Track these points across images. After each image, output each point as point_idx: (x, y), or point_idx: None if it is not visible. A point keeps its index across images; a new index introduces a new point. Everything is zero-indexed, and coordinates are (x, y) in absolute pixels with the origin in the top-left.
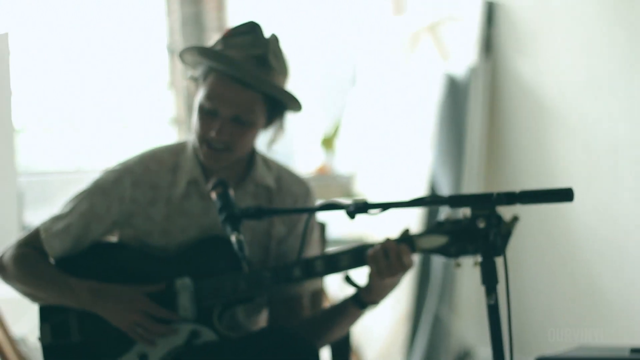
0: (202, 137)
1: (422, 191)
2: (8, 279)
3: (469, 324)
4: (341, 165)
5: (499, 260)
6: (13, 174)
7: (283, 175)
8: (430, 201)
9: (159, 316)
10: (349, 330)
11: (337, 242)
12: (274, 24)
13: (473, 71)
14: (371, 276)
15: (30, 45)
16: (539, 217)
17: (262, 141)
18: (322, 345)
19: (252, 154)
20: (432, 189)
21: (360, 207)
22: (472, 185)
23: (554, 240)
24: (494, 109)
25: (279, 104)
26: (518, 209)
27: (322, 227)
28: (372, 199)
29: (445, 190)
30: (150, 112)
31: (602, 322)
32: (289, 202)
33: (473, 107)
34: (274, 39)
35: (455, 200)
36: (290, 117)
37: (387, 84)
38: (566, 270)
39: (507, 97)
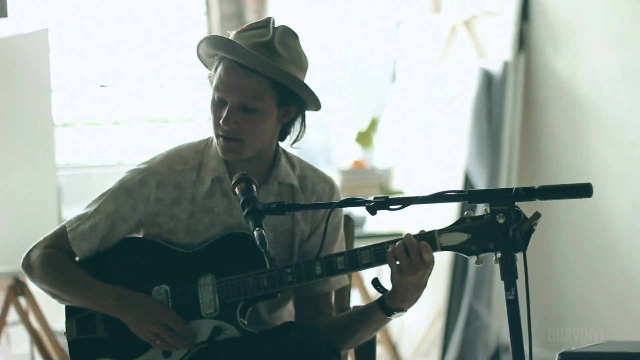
0: (215, 130)
1: (457, 186)
2: (34, 279)
3: (506, 320)
4: (378, 160)
5: (519, 256)
6: (53, 169)
7: (307, 173)
8: (451, 196)
9: (178, 331)
10: (375, 334)
11: (375, 236)
12: (314, 19)
13: (508, 66)
14: (392, 275)
15: (73, 40)
16: (576, 212)
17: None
18: (348, 347)
19: (275, 152)
20: (468, 183)
21: (380, 203)
22: (508, 180)
23: (590, 236)
24: (529, 104)
25: (290, 94)
26: (558, 205)
27: (349, 221)
28: (408, 194)
29: (480, 184)
30: (191, 111)
31: (638, 317)
32: (313, 201)
33: (508, 102)
34: (284, 29)
35: (475, 196)
36: (328, 112)
37: (424, 80)
38: (602, 266)
39: (542, 92)
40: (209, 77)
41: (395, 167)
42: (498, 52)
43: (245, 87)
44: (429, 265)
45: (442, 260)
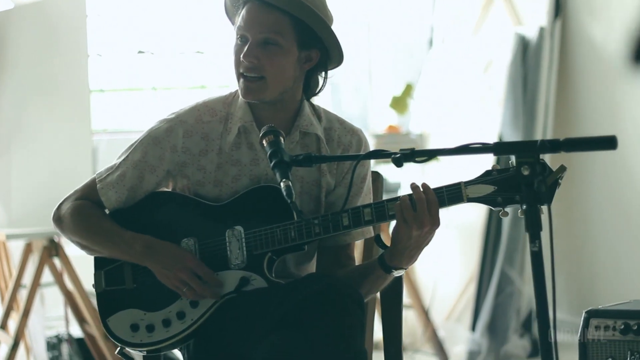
0: (237, 69)
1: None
2: (64, 231)
3: None
4: (413, 125)
5: (544, 209)
6: (88, 133)
7: (334, 125)
8: (476, 148)
9: (205, 279)
10: (400, 308)
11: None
12: None
13: (544, 32)
14: (396, 228)
15: (112, 6)
16: (609, 171)
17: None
18: None
19: (300, 103)
20: None
21: (406, 155)
22: None
23: (622, 196)
24: (565, 70)
25: (312, 36)
26: (595, 161)
27: (378, 176)
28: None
29: None
30: (229, 77)
31: None
32: (339, 153)
33: (544, 69)
34: None
35: (500, 148)
36: (365, 78)
37: (461, 46)
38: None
39: (578, 58)
40: (235, 29)
41: (431, 133)
42: (534, 19)
43: (266, 22)
44: (434, 220)
45: (475, 225)
